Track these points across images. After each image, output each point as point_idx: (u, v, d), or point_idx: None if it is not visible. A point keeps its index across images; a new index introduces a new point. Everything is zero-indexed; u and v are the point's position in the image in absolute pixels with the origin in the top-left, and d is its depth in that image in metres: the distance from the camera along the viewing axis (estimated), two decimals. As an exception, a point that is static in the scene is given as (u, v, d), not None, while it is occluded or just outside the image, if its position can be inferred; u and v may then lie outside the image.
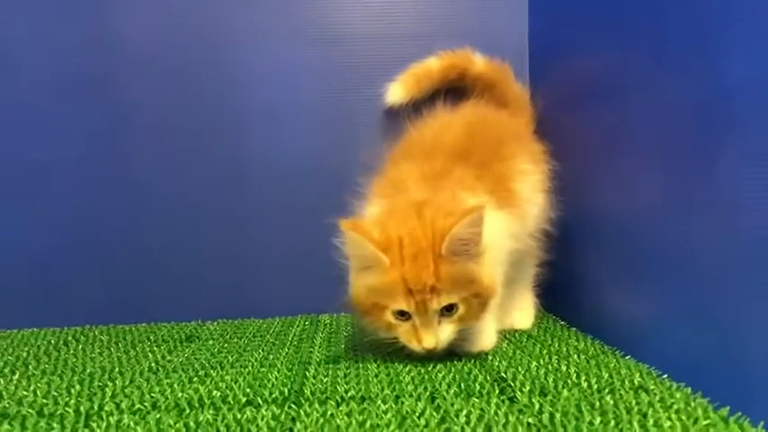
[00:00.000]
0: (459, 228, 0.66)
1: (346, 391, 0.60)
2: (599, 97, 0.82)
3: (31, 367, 0.75)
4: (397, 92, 0.98)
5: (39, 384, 0.66)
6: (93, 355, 0.81)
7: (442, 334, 0.69)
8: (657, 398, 0.55)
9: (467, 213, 0.66)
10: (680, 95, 0.62)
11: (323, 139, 1.03)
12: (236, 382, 0.64)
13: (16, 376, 0.71)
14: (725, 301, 0.55)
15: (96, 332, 0.96)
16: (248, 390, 0.61)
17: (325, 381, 0.64)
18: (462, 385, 0.60)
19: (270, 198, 1.03)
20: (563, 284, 0.91)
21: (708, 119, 0.58)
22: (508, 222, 0.78)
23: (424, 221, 0.69)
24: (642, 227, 0.71)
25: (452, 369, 0.67)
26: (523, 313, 0.90)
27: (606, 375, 0.62)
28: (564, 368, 0.65)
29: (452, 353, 0.72)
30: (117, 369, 0.72)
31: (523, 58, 1.04)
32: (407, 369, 0.67)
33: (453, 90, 1.00)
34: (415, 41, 1.02)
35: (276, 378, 0.65)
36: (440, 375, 0.64)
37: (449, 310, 0.68)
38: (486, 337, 0.76)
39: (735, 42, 0.53)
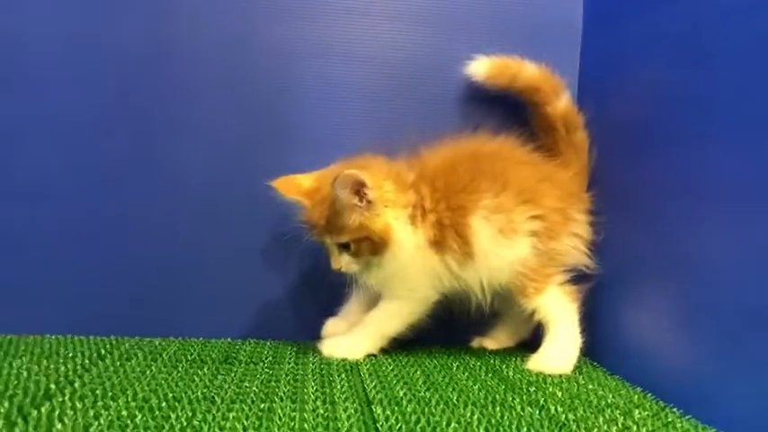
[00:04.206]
0: (336, 187, 0.82)
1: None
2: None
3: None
4: (480, 66, 0.97)
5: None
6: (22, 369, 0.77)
7: (342, 260, 0.88)
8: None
9: (341, 175, 0.81)
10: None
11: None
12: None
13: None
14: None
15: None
16: None
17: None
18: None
19: (184, 210, 1.01)
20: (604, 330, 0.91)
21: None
22: (434, 261, 0.88)
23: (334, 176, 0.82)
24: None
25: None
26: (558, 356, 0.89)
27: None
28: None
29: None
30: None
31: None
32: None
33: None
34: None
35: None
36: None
37: (345, 246, 0.87)
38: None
39: None
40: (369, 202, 0.85)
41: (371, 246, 0.87)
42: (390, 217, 0.87)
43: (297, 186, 0.89)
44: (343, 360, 0.89)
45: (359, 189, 0.84)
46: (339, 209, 0.85)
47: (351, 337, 0.91)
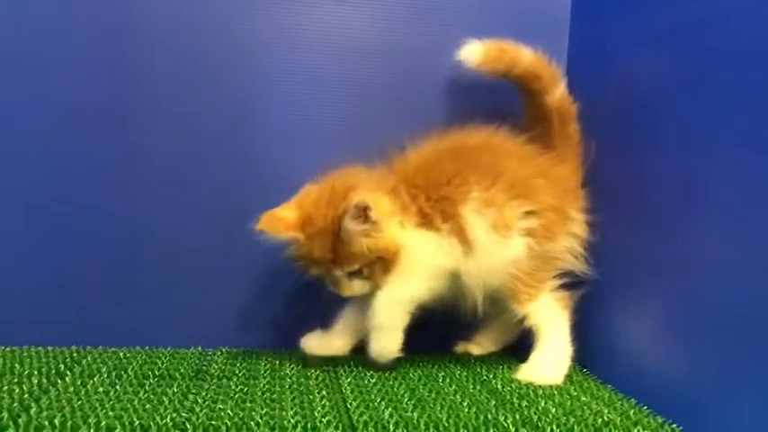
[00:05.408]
0: (347, 220, 0.78)
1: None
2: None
3: None
4: (475, 51, 0.88)
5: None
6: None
7: (354, 286, 0.83)
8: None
9: (351, 207, 0.78)
10: None
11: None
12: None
13: None
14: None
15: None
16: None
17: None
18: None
19: (151, 209, 0.94)
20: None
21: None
22: (437, 243, 0.83)
23: (330, 200, 0.81)
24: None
25: None
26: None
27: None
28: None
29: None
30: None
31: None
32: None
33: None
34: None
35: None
36: None
37: (355, 273, 0.82)
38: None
39: None
40: (373, 222, 0.80)
41: (384, 264, 0.82)
42: (392, 228, 0.82)
43: (283, 221, 0.81)
44: (322, 372, 0.84)
45: (365, 214, 0.79)
46: (346, 238, 0.80)
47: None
